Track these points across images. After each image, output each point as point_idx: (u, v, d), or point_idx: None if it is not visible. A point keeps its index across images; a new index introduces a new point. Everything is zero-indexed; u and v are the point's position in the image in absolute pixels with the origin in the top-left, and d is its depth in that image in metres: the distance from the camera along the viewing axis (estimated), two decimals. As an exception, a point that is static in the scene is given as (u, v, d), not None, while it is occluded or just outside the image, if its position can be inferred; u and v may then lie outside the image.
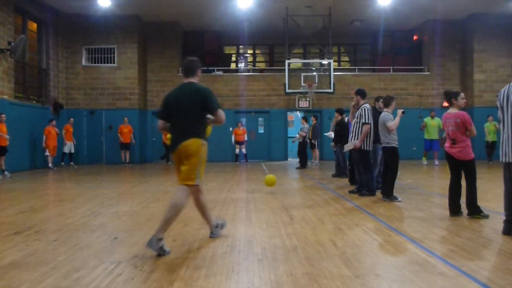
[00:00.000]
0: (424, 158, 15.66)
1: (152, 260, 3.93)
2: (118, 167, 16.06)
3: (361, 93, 8.04)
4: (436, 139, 15.08)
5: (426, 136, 15.23)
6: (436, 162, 15.25)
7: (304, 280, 3.38)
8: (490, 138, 16.18)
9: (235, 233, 5.02)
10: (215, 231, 4.81)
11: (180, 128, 4.34)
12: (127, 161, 17.00)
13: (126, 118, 16.99)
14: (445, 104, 6.16)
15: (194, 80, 4.49)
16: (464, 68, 18.93)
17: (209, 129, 4.55)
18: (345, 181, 10.32)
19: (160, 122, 4.51)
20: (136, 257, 4.03)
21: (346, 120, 11.20)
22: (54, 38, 16.82)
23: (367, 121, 7.68)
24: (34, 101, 15.81)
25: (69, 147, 16.00)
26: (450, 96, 5.86)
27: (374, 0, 15.99)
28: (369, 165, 7.86)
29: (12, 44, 13.60)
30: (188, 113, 4.32)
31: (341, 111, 11.72)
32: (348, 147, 8.25)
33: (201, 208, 4.69)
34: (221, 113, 4.36)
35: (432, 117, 15.20)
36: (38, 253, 4.23)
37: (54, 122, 15.32)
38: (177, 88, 4.51)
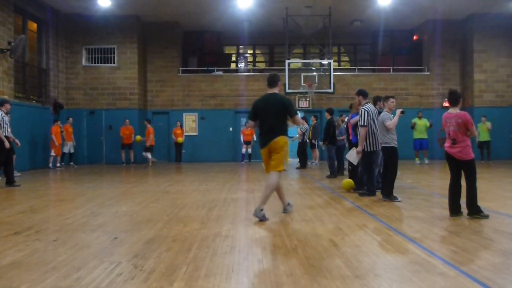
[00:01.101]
0: (416, 159, 16.11)
1: (152, 260, 3.93)
2: (118, 167, 16.06)
3: (363, 93, 8.02)
4: (425, 138, 15.66)
5: (416, 136, 15.77)
6: (426, 161, 15.74)
7: (304, 280, 3.38)
8: (480, 138, 16.53)
9: (235, 233, 5.02)
10: (287, 208, 6.21)
11: (268, 128, 5.73)
12: (132, 160, 17.00)
13: (127, 120, 16.91)
14: (445, 104, 6.16)
15: (276, 90, 5.92)
16: (464, 68, 18.93)
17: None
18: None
19: (251, 122, 6.02)
20: (136, 257, 4.03)
21: (346, 119, 11.25)
22: (54, 38, 16.82)
23: (363, 124, 7.58)
24: (34, 101, 15.81)
25: (68, 147, 16.01)
26: (458, 96, 5.86)
27: (374, 0, 15.99)
28: (370, 165, 7.82)
29: (12, 44, 13.60)
30: (275, 117, 5.72)
31: (331, 111, 12.11)
32: (351, 157, 8.09)
33: (278, 189, 5.97)
34: (297, 117, 6.00)
35: (420, 118, 15.74)
36: (38, 253, 4.23)
37: (59, 122, 15.41)
38: (265, 97, 5.92)
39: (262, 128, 5.83)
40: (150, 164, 16.04)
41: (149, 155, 16.00)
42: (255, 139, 17.70)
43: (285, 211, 6.20)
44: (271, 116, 5.72)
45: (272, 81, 5.93)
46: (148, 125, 16.09)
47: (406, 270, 3.60)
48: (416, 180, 10.48)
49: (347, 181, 8.60)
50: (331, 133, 11.65)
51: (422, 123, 15.65)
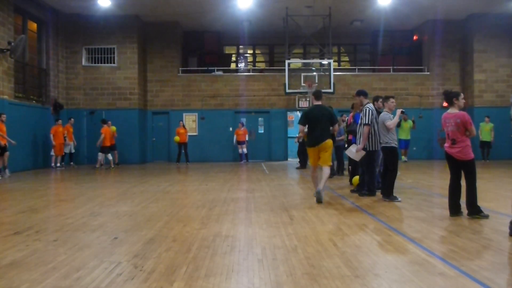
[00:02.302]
0: (403, 157, 16.97)
1: (152, 260, 3.93)
2: (118, 167, 16.03)
3: (363, 93, 8.02)
4: (408, 139, 16.95)
5: (401, 137, 16.59)
6: (405, 159, 17.03)
7: (304, 280, 3.38)
8: (482, 137, 16.86)
9: (235, 233, 5.02)
10: (321, 193, 7.21)
11: (319, 132, 7.23)
12: (116, 161, 16.15)
13: (109, 122, 16.12)
14: (445, 104, 6.14)
15: (320, 102, 7.47)
16: (464, 68, 18.93)
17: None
18: (346, 181, 10.33)
19: (301, 127, 7.45)
20: (136, 257, 4.03)
21: (346, 119, 11.25)
22: (54, 38, 16.82)
23: (367, 122, 7.59)
24: (34, 101, 15.81)
25: (69, 147, 16.00)
26: (451, 96, 5.84)
27: (374, 0, 15.99)
28: (372, 165, 7.81)
29: (12, 44, 13.60)
30: (323, 124, 7.25)
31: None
32: (351, 153, 8.08)
33: (318, 177, 7.43)
34: (337, 126, 7.72)
35: (405, 120, 16.57)
36: (38, 253, 4.23)
37: (60, 121, 15.34)
38: (314, 107, 7.49)
39: (313, 132, 7.29)
40: (97, 166, 15.10)
41: (109, 156, 15.26)
42: (247, 138, 17.84)
43: (319, 194, 7.25)
44: (322, 123, 7.23)
45: (319, 95, 7.50)
46: (104, 125, 15.31)
47: (406, 270, 3.60)
48: (416, 180, 10.48)
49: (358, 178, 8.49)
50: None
51: (407, 125, 16.65)
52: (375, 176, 7.89)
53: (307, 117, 7.37)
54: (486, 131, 16.83)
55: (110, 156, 15.39)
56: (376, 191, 7.79)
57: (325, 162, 7.26)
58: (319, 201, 7.16)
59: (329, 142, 7.26)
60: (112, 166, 15.38)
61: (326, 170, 7.26)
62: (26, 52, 15.24)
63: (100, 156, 15.23)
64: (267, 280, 3.39)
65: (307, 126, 7.40)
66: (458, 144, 5.67)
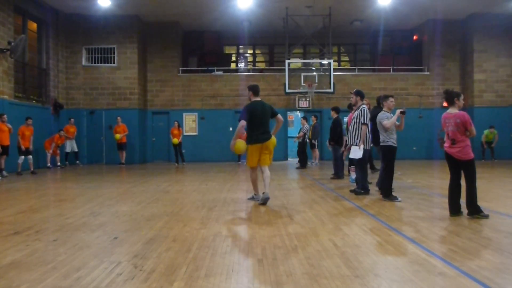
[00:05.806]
0: None
1: (152, 260, 3.93)
2: (118, 167, 16.04)
3: (361, 94, 8.16)
4: None
5: None
6: None
7: (304, 280, 3.38)
8: (486, 139, 17.42)
9: (235, 233, 5.02)
10: (256, 197, 7.27)
11: (263, 130, 6.99)
12: (123, 161, 16.80)
13: (119, 118, 16.78)
14: (445, 104, 6.13)
15: (259, 98, 7.22)
16: (464, 68, 18.93)
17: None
18: (345, 181, 10.33)
19: (244, 123, 6.97)
20: (136, 257, 4.03)
21: (345, 119, 11.26)
22: (54, 38, 16.82)
23: (365, 122, 7.80)
24: (34, 101, 15.81)
25: (70, 146, 16.02)
26: (453, 96, 5.83)
27: (374, 0, 15.99)
28: (365, 163, 8.02)
29: (12, 44, 13.60)
30: (268, 120, 7.06)
31: (337, 110, 11.30)
32: (356, 153, 8.14)
33: (257, 179, 7.31)
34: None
35: None
36: (38, 253, 4.23)
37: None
38: (259, 103, 7.07)
39: (258, 129, 6.99)
40: (19, 170, 12.91)
41: (20, 159, 12.95)
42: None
43: (252, 199, 7.43)
44: (267, 118, 7.01)
45: (258, 91, 7.25)
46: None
47: (406, 270, 3.60)
48: (416, 180, 10.48)
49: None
50: (338, 133, 10.98)
51: None
52: (367, 174, 8.16)
53: (254, 113, 6.97)
54: (489, 138, 17.35)
55: (20, 160, 12.98)
56: (369, 188, 8.01)
57: (266, 163, 7.07)
58: (265, 201, 6.91)
59: (274, 140, 7.13)
60: (30, 170, 13.28)
61: (268, 171, 7.08)
62: (26, 52, 15.24)
63: (20, 159, 12.99)
64: (267, 280, 3.39)
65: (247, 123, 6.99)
66: (457, 144, 5.67)
